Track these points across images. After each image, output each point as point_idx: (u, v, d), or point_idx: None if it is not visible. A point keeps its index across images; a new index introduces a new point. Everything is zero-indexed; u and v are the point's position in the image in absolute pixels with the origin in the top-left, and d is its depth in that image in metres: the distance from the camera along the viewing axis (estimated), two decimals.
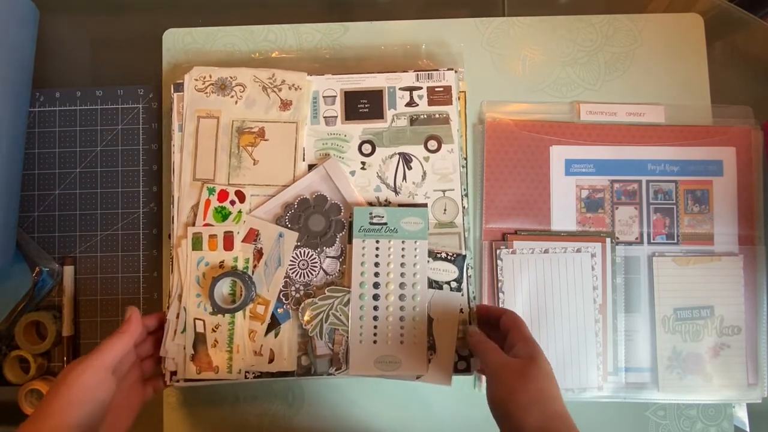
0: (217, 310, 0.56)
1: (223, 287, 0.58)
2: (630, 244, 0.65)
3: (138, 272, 0.66)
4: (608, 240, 0.64)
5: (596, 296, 0.63)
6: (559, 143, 0.66)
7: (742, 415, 0.64)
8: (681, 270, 0.64)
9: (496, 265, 0.64)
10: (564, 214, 0.65)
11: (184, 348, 0.57)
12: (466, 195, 0.61)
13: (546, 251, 0.64)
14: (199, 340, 0.57)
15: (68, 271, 0.65)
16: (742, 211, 0.65)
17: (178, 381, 0.57)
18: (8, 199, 0.62)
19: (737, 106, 0.67)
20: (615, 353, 0.63)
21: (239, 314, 0.57)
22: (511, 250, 0.64)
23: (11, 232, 0.63)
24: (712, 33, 0.69)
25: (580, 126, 0.66)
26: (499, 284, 0.64)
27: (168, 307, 0.58)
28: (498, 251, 0.64)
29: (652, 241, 0.65)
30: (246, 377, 0.57)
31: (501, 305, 0.63)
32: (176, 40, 0.68)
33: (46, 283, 0.64)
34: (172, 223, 0.60)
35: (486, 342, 0.53)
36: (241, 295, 0.57)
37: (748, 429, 0.64)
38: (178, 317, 0.57)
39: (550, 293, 0.64)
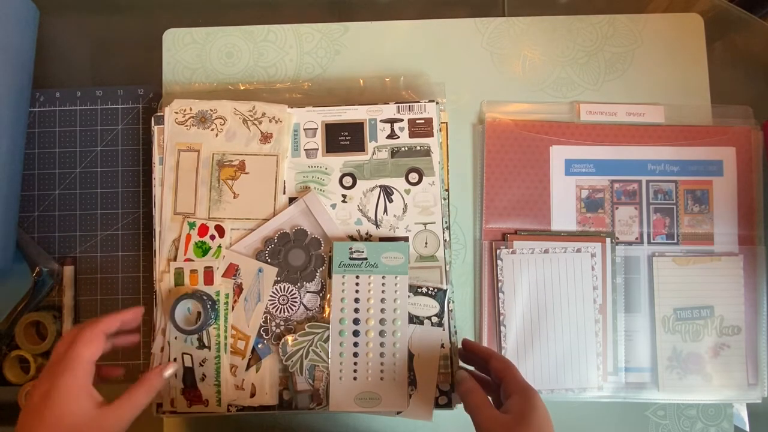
0: (179, 330, 0.56)
1: (187, 308, 0.58)
2: (630, 244, 0.65)
3: (138, 272, 0.66)
4: (608, 240, 0.64)
5: (596, 296, 0.63)
6: (559, 143, 0.66)
7: (742, 415, 0.64)
8: (681, 270, 0.64)
9: (496, 265, 0.64)
10: (564, 214, 0.65)
11: (174, 380, 0.58)
12: (448, 228, 0.60)
13: (546, 251, 0.64)
14: (189, 374, 0.58)
15: (68, 271, 0.65)
16: (742, 211, 0.65)
17: (164, 413, 0.57)
18: (8, 199, 0.62)
19: (737, 106, 0.67)
20: (615, 353, 0.63)
21: (222, 349, 0.58)
22: (511, 250, 0.64)
23: (11, 232, 0.63)
24: (712, 33, 0.69)
25: (580, 126, 0.66)
26: (499, 284, 0.64)
27: (152, 341, 0.58)
28: (498, 251, 0.64)
29: (652, 241, 0.65)
30: (229, 410, 0.58)
31: (501, 305, 0.63)
32: (176, 40, 0.68)
33: (46, 283, 0.64)
34: (155, 257, 0.60)
35: (475, 392, 0.50)
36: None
37: (748, 429, 0.64)
38: (162, 351, 0.58)
39: (550, 293, 0.64)
